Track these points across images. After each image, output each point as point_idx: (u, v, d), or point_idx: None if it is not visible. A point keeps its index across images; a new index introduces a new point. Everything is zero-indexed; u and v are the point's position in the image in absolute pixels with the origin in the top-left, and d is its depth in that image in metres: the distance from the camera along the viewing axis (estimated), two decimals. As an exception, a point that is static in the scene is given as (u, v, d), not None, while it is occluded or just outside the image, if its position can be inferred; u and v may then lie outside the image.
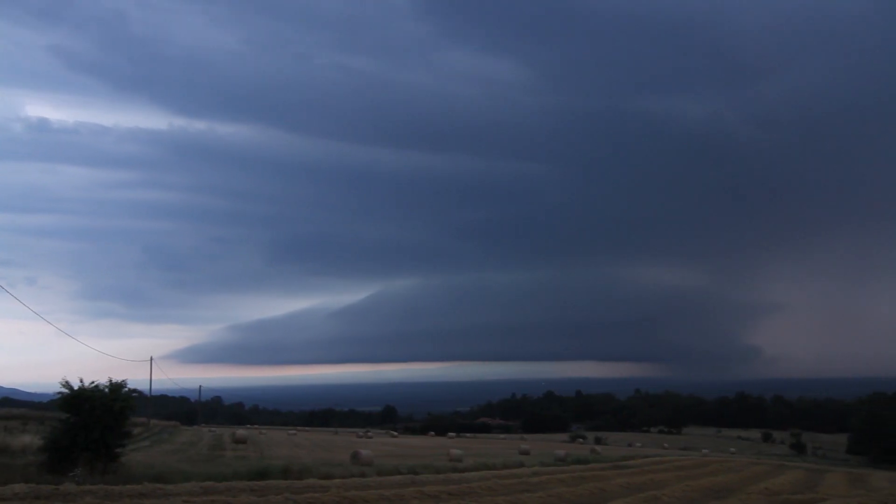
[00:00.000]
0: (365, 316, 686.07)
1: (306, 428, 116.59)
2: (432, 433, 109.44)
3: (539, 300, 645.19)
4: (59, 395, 22.25)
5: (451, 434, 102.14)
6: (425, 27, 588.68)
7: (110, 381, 22.78)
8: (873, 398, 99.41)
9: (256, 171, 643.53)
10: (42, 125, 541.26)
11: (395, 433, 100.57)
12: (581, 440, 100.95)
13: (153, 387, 73.05)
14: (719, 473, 36.92)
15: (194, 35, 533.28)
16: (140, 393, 34.54)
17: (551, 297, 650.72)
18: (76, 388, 22.12)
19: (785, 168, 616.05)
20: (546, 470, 32.62)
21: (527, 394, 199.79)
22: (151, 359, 70.64)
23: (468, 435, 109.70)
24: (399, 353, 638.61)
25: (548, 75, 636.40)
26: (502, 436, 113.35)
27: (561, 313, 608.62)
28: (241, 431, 61.88)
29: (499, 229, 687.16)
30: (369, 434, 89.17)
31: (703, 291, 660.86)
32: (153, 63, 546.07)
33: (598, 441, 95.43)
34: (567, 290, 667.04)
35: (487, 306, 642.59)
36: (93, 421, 21.49)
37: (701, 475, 34.92)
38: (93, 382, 22.52)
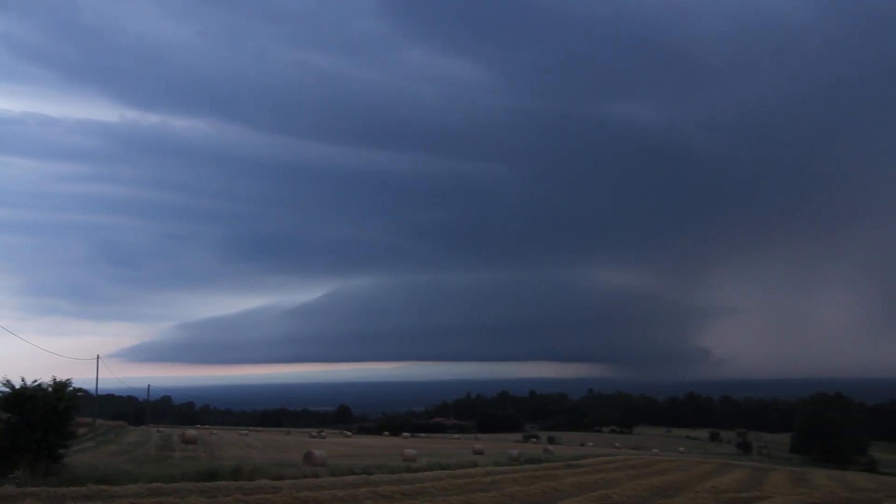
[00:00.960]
0: (320, 315, 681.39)
1: (258, 428, 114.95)
2: (387, 433, 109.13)
3: (495, 301, 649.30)
4: (0, 395, 21.55)
5: (405, 434, 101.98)
6: (385, 25, 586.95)
7: (54, 379, 22.19)
8: (816, 399, 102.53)
9: (211, 167, 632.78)
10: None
11: (350, 433, 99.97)
12: (534, 440, 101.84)
13: (100, 386, 71.17)
14: (668, 472, 37.62)
15: (148, 25, 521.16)
16: (85, 392, 33.54)
17: (507, 298, 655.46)
18: (18, 387, 21.47)
19: (736, 174, 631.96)
20: (499, 469, 32.80)
21: (481, 394, 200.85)
22: (98, 357, 68.81)
23: (423, 435, 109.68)
24: (354, 353, 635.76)
25: (507, 77, 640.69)
26: (457, 436, 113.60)
27: (516, 314, 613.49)
28: (190, 432, 60.64)
29: (456, 230, 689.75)
30: (323, 434, 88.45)
31: (655, 294, 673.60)
32: (104, 53, 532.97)
33: (551, 441, 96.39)
34: (523, 291, 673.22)
35: (444, 306, 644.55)
36: (35, 421, 20.90)
37: (651, 474, 35.53)
38: (36, 381, 21.89)
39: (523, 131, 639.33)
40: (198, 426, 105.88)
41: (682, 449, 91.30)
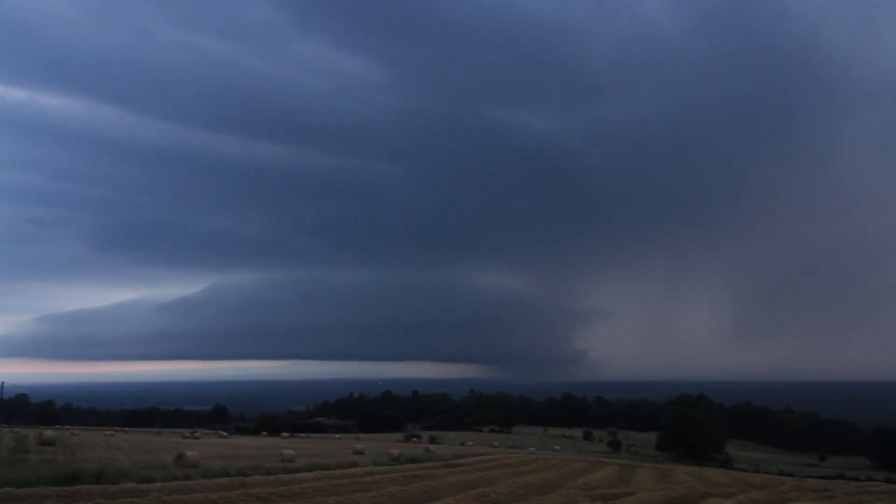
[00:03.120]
0: (199, 310, 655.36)
1: (126, 428, 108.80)
2: (265, 433, 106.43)
3: (380, 300, 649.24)
4: None
5: (284, 434, 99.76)
6: (279, 14, 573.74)
7: None
8: (680, 400, 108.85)
9: (84, 150, 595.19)
10: None
11: (225, 433, 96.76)
12: (416, 439, 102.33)
13: (-55, 383, 65.14)
14: (543, 470, 38.78)
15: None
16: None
17: (392, 298, 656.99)
18: None
19: (617, 184, 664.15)
20: (379, 469, 32.65)
21: (364, 393, 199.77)
22: (-56, 351, 62.96)
23: (302, 435, 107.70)
24: (233, 350, 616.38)
25: (402, 77, 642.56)
26: (337, 436, 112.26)
27: (401, 314, 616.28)
28: (49, 432, 56.67)
29: (344, 227, 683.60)
30: (196, 434, 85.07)
31: (537, 297, 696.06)
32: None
33: (432, 440, 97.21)
34: (408, 290, 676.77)
35: (327, 304, 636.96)
36: None
37: (526, 472, 36.50)
38: None
39: (415, 131, 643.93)
40: (58, 427, 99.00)
41: (557, 447, 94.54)
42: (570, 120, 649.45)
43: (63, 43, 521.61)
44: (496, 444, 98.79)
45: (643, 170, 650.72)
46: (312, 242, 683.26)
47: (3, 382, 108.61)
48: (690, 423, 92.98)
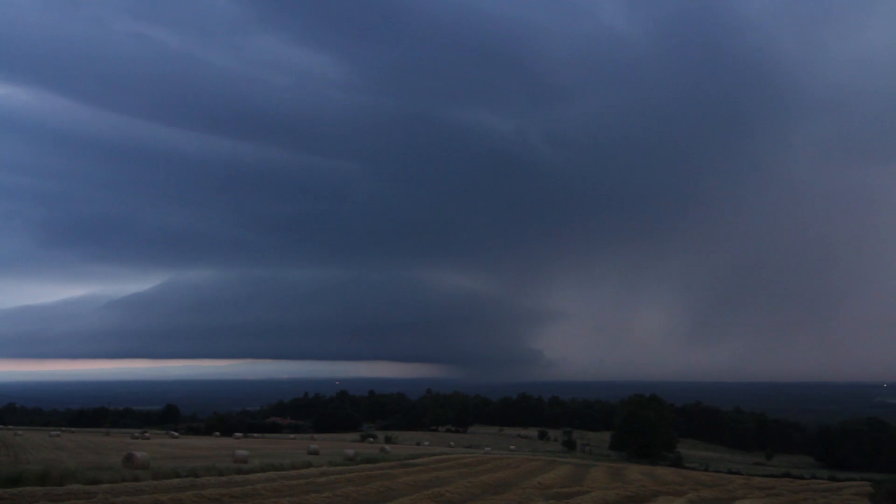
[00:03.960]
0: (151, 307, 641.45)
1: (73, 429, 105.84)
2: (217, 434, 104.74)
3: (337, 299, 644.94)
4: None
5: (237, 434, 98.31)
6: (237, 7, 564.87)
7: None
8: (633, 400, 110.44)
9: (29, 140, 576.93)
10: None
11: (176, 434, 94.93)
12: (371, 439, 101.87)
13: None
14: (498, 470, 38.99)
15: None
16: None
17: (350, 297, 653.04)
18: None
19: (576, 185, 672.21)
20: (334, 469, 32.42)
21: (320, 393, 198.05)
22: None
23: (256, 435, 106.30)
24: (186, 349, 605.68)
25: (364, 75, 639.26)
26: (292, 436, 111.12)
27: (358, 313, 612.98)
28: (-9, 433, 54.86)
29: (302, 225, 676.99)
30: (146, 435, 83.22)
31: (495, 297, 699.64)
32: None
33: (388, 440, 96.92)
34: (366, 290, 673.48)
35: (284, 303, 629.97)
36: None
37: (482, 472, 36.65)
38: None
39: (376, 130, 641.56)
40: (0, 427, 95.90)
41: (512, 447, 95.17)
42: (531, 121, 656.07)
43: (12, 30, 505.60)
44: (452, 443, 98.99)
45: (601, 172, 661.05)
46: (270, 240, 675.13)
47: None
48: (643, 422, 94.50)
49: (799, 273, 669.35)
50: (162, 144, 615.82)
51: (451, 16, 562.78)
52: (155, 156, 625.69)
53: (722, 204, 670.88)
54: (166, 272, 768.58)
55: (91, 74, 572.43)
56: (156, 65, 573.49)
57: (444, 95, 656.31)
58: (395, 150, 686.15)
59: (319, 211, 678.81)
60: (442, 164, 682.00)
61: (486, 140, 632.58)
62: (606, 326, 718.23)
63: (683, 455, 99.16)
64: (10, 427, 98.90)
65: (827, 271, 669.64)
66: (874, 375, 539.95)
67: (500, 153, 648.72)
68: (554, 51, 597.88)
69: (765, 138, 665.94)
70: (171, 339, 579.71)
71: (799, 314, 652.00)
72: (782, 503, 25.89)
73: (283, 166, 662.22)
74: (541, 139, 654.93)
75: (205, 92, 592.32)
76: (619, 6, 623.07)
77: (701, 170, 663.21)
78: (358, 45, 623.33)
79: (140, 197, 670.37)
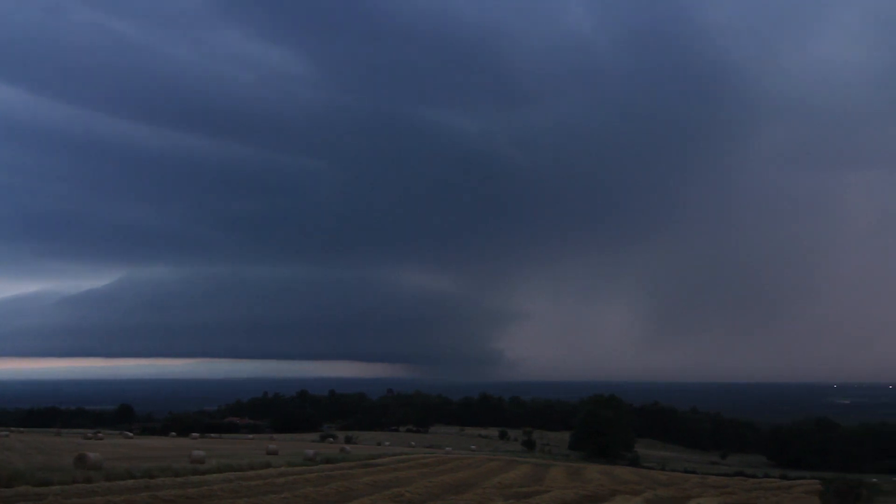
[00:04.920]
0: (105, 304, 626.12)
1: (22, 429, 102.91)
2: (173, 434, 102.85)
3: (297, 297, 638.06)
4: None
5: (194, 434, 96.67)
6: (199, 0, 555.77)
7: None
8: (592, 399, 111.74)
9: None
10: None
11: (131, 434, 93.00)
12: (331, 439, 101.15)
13: None
14: (459, 470, 39.08)
15: None
16: None
17: (311, 296, 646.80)
18: None
19: (539, 188, 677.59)
20: (293, 470, 32.13)
21: (279, 393, 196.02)
22: None
23: (214, 435, 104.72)
24: (141, 348, 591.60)
25: (330, 72, 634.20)
26: (250, 436, 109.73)
27: (319, 312, 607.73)
28: (-64, 433, 53.02)
29: (263, 222, 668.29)
30: (99, 435, 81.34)
31: (457, 297, 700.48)
32: None
33: (348, 440, 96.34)
34: (327, 289, 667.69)
35: (244, 301, 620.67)
36: None
37: (442, 472, 36.68)
38: None
39: (341, 128, 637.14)
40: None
41: (473, 447, 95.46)
42: (497, 123, 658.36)
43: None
44: (413, 443, 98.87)
45: (564, 175, 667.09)
46: (230, 237, 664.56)
47: None
48: (602, 422, 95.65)
49: (754, 277, 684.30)
50: (119, 138, 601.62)
51: (419, 16, 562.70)
52: (112, 149, 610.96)
53: (683, 208, 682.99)
54: (122, 269, 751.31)
55: (46, 64, 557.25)
56: (114, 56, 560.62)
57: (412, 95, 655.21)
58: (360, 149, 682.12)
59: (282, 209, 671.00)
60: (408, 164, 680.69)
61: (453, 141, 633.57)
62: (567, 327, 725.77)
63: (641, 455, 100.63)
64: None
65: (781, 275, 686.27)
66: (825, 376, 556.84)
67: (466, 154, 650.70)
68: (521, 54, 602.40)
69: (726, 144, 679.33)
70: (127, 337, 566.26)
71: (754, 317, 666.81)
72: (735, 501, 26.44)
73: (245, 163, 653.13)
74: (507, 141, 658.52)
75: (165, 85, 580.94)
76: (584, 11, 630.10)
77: (664, 174, 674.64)
78: (325, 42, 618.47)
79: (96, 191, 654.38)
